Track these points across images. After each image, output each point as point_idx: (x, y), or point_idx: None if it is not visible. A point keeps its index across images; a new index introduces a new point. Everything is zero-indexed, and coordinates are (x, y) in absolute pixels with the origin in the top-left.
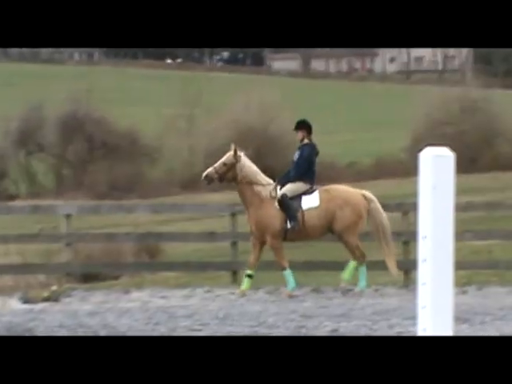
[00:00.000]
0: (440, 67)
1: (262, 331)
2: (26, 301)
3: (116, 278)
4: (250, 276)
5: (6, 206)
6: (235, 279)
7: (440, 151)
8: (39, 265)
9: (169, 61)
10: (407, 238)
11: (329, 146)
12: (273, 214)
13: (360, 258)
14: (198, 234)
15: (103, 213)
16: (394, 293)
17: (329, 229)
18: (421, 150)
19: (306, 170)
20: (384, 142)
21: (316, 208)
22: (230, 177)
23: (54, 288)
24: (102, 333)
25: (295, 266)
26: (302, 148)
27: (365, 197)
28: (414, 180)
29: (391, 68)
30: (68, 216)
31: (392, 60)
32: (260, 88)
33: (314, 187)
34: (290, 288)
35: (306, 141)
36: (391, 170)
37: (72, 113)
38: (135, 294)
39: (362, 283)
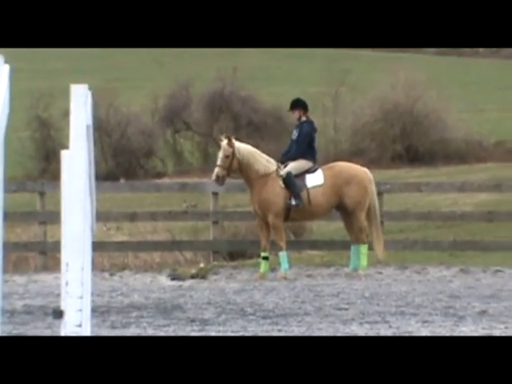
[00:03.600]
0: None
1: (410, 311)
2: (174, 277)
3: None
4: (265, 258)
5: (154, 184)
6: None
7: None
8: (187, 242)
9: None
10: None
11: (477, 125)
12: (276, 193)
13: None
14: None
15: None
16: None
17: (337, 206)
18: None
19: (307, 147)
20: None
21: (321, 185)
22: (235, 166)
23: (202, 265)
24: (249, 310)
25: (442, 247)
26: (300, 126)
27: (367, 175)
28: None
29: None
30: (215, 194)
31: None
32: (407, 66)
33: (317, 165)
34: (282, 270)
35: (303, 118)
36: None
37: (219, 91)
38: (281, 272)
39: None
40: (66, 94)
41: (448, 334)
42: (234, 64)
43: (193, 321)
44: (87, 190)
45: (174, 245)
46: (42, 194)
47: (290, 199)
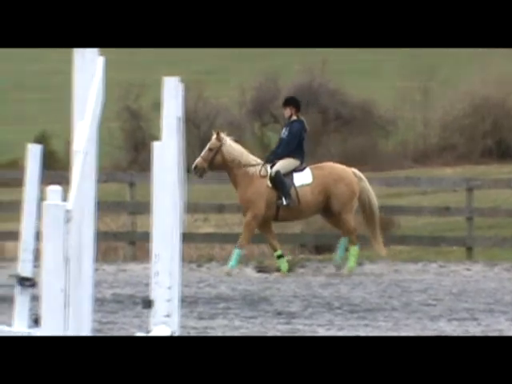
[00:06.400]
0: None
1: (499, 309)
2: (260, 270)
3: (348, 250)
4: (280, 256)
5: None
6: (470, 255)
7: None
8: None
9: None
10: None
11: None
12: (260, 193)
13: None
14: (433, 208)
15: None
16: None
17: (324, 207)
18: None
19: (295, 146)
20: None
21: (309, 184)
22: (218, 161)
23: (288, 258)
24: (336, 304)
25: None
26: (290, 125)
27: (355, 174)
28: None
29: None
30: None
31: None
32: (498, 61)
33: (304, 164)
34: (229, 266)
35: (294, 117)
36: None
37: (307, 84)
38: (368, 267)
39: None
40: (156, 86)
41: None
42: (321, 57)
43: (279, 313)
44: (177, 181)
45: (261, 237)
46: (131, 184)
47: (279, 199)
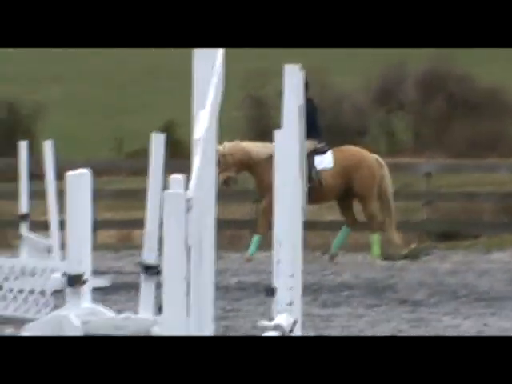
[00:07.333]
0: None
1: None
2: (385, 257)
3: (476, 237)
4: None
5: None
6: None
7: None
8: (398, 222)
9: None
10: None
11: None
12: None
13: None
14: None
15: (463, 172)
16: None
17: (344, 191)
18: None
19: (308, 127)
20: None
21: (331, 168)
22: (238, 164)
23: (414, 246)
24: (463, 292)
25: None
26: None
27: (377, 161)
28: None
29: None
30: (428, 174)
31: None
32: None
33: (326, 146)
34: (250, 252)
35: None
36: None
37: (433, 70)
38: (496, 255)
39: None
40: (279, 74)
41: None
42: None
43: (404, 302)
44: (299, 169)
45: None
46: None
47: None
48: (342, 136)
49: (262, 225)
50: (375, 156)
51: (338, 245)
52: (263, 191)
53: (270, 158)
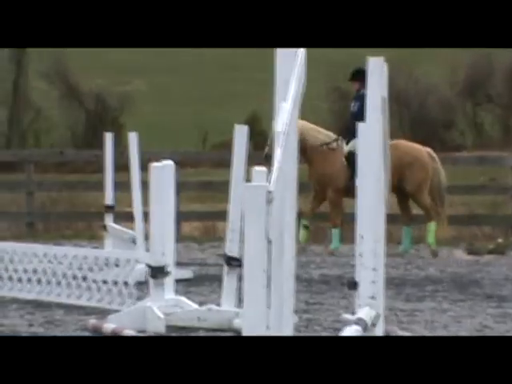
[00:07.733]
0: None
1: None
2: (471, 252)
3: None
4: (306, 227)
5: (452, 157)
6: None
7: None
8: (485, 216)
9: None
10: None
11: None
12: (337, 168)
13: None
14: None
15: None
16: None
17: (397, 187)
18: None
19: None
20: None
21: None
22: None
23: (500, 240)
24: None
25: None
26: (360, 98)
27: (430, 155)
28: None
29: None
30: None
31: None
32: None
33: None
34: (333, 246)
35: (362, 90)
36: None
37: None
38: None
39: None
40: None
41: None
42: None
43: (490, 297)
44: (382, 162)
45: (471, 219)
46: None
47: (351, 178)
48: (428, 129)
49: (335, 217)
50: (428, 150)
51: (407, 246)
52: (325, 180)
53: (322, 146)
